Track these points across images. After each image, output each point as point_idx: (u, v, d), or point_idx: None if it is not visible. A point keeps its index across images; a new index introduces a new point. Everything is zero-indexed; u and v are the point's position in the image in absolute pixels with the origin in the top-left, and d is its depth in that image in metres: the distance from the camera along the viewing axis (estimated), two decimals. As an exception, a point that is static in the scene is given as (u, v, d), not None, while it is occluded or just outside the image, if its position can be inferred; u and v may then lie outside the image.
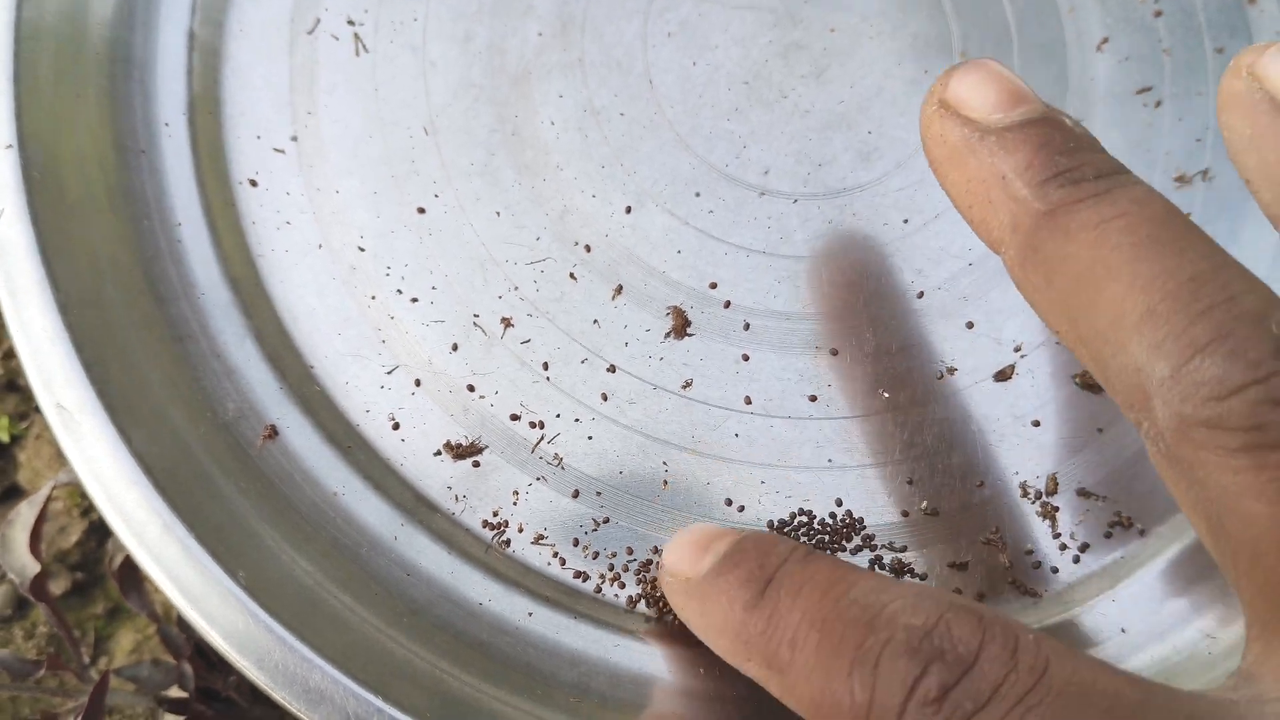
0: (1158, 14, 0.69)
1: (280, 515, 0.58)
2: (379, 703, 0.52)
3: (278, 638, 0.53)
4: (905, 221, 0.65)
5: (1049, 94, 0.67)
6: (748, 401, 0.63)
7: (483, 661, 0.57)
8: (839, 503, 0.62)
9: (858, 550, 0.61)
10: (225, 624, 0.53)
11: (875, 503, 0.62)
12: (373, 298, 0.64)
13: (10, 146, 0.58)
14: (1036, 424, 0.63)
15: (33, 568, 0.79)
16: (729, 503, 0.62)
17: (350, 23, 0.67)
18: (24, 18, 0.61)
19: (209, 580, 0.54)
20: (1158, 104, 0.67)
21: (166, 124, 0.65)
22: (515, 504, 0.61)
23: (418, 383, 0.63)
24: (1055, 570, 0.61)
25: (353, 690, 0.52)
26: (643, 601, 0.61)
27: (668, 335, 0.63)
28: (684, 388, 0.63)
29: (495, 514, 0.61)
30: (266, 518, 0.58)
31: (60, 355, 0.56)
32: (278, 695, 0.52)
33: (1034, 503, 0.62)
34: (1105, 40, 0.68)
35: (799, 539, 0.61)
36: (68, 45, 0.64)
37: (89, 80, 0.64)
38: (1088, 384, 0.63)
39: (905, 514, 0.62)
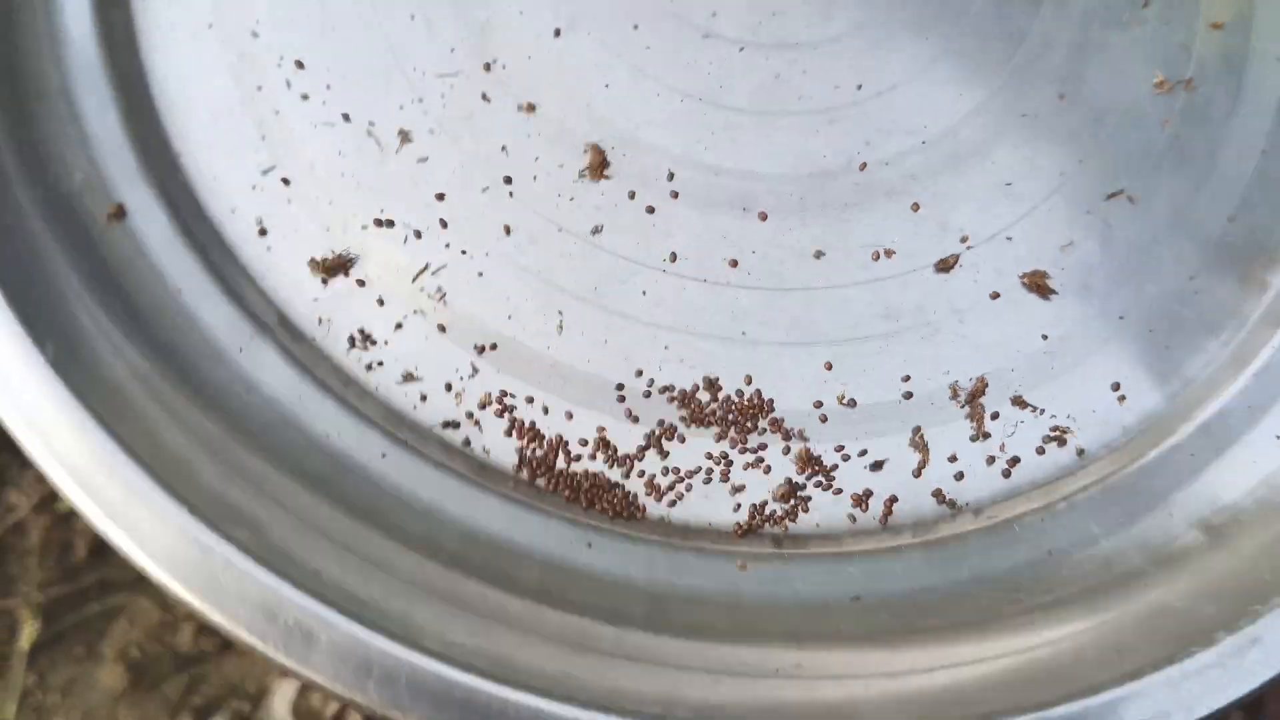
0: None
1: (113, 299, 0.51)
2: (183, 514, 0.44)
3: (76, 420, 0.45)
4: (859, 87, 0.59)
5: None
6: (671, 259, 0.56)
7: (319, 499, 0.50)
8: (749, 380, 0.55)
9: (763, 432, 0.54)
10: (24, 401, 0.45)
11: (788, 385, 0.56)
12: (259, 89, 0.57)
13: None
14: (975, 322, 0.56)
15: None
16: (625, 360, 0.54)
17: None
18: None
19: (12, 339, 0.46)
20: (1145, 4, 0.61)
21: None
22: (386, 338, 0.54)
23: (293, 188, 0.55)
24: (980, 483, 0.54)
25: (151, 491, 0.44)
26: (519, 460, 0.53)
27: (582, 174, 0.56)
28: (593, 233, 0.56)
29: (363, 342, 0.54)
30: (96, 299, 0.50)
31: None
32: (58, 481, 0.44)
33: (963, 406, 0.55)
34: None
35: (701, 416, 0.54)
36: None
37: None
38: (1036, 285, 0.56)
39: (818, 404, 0.55)
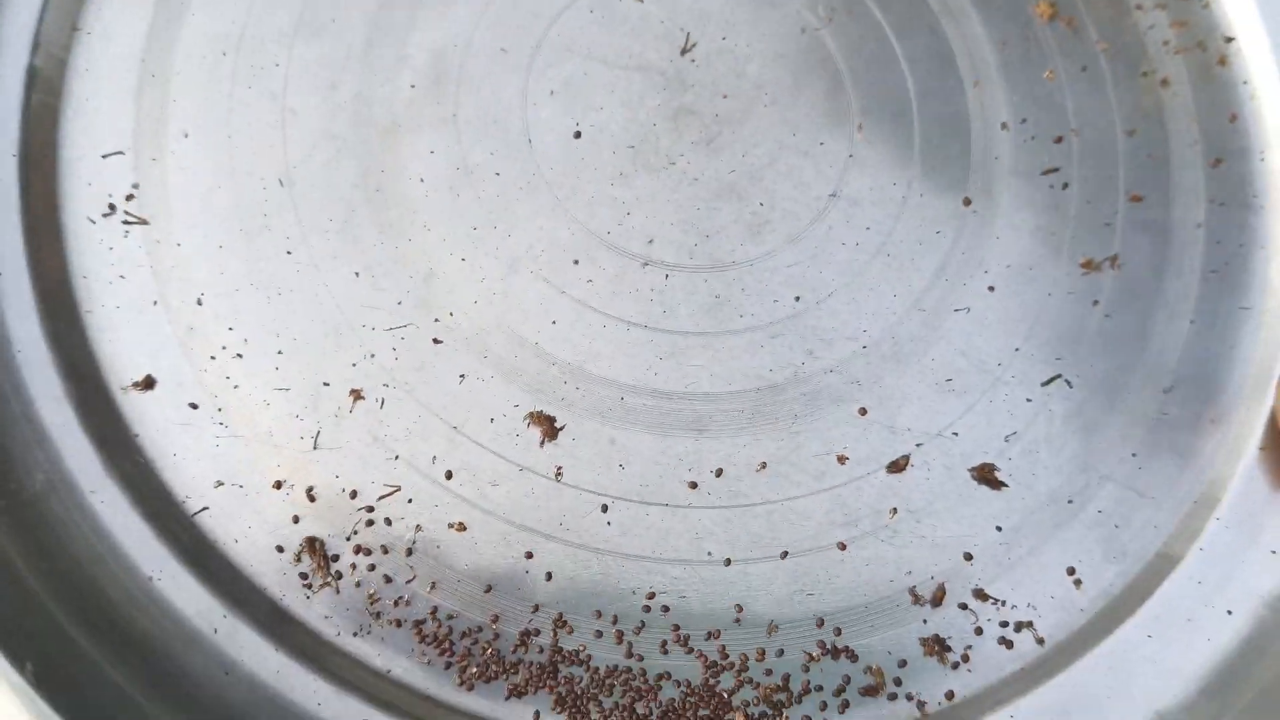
0: (1066, 94, 0.65)
1: (86, 604, 0.51)
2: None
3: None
4: (797, 299, 0.60)
5: (950, 172, 0.63)
6: (633, 486, 0.57)
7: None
8: (738, 608, 0.56)
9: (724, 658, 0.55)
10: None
11: (756, 598, 0.56)
12: (212, 358, 0.58)
13: None
14: (931, 520, 0.57)
15: None
16: (594, 596, 0.56)
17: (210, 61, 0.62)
18: None
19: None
20: (1065, 186, 0.63)
21: (-7, 163, 0.59)
22: (360, 593, 0.55)
23: (255, 457, 0.56)
24: (945, 682, 0.56)
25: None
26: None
27: (533, 429, 0.58)
28: (553, 469, 0.57)
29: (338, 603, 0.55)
30: (68, 606, 0.51)
31: None
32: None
33: (926, 607, 0.57)
34: (1011, 118, 0.64)
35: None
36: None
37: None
38: (986, 477, 0.58)
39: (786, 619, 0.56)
